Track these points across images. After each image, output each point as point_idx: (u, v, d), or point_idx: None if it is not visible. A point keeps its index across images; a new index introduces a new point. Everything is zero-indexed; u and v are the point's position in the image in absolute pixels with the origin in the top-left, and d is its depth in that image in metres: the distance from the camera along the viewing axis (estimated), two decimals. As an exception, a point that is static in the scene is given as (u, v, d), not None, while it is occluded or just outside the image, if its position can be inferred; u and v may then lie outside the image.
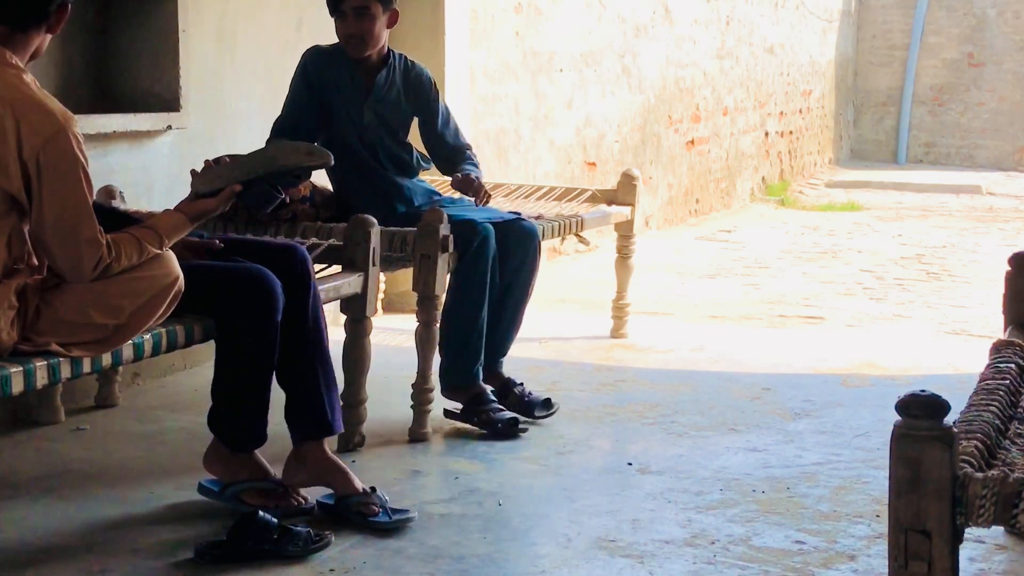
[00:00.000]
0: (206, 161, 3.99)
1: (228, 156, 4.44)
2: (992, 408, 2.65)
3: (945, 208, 11.71)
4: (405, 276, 5.23)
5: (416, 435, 4.31)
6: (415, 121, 4.80)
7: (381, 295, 5.94)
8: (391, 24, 4.55)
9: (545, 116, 8.01)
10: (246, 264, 3.40)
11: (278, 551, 3.24)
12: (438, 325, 4.34)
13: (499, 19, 7.40)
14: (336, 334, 3.70)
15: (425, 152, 4.85)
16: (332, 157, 3.50)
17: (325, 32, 4.72)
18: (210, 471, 3.57)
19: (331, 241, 4.12)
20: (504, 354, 4.61)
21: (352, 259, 3.99)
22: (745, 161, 11.58)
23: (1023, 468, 2.39)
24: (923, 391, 2.24)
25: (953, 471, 2.21)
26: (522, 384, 4.56)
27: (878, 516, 3.60)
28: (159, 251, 3.15)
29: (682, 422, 4.60)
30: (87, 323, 3.04)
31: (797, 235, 9.90)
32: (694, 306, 7.01)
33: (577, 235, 7.38)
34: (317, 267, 3.89)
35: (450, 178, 4.70)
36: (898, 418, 2.23)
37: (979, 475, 2.23)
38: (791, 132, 12.85)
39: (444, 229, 4.26)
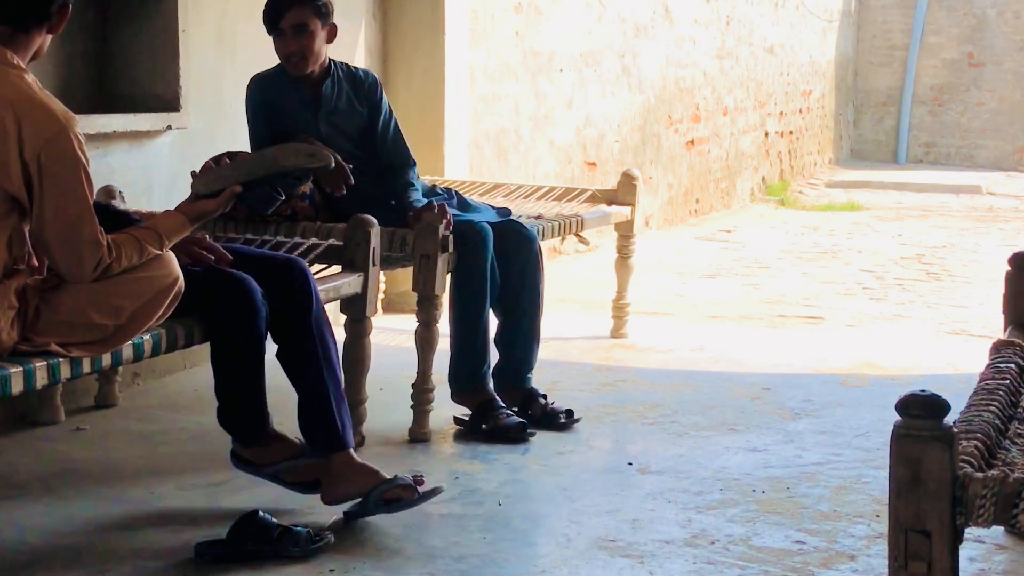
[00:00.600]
0: (206, 162, 3.99)
1: (228, 155, 4.45)
2: (992, 408, 2.65)
3: (945, 208, 11.71)
4: (405, 276, 5.22)
5: (416, 435, 4.31)
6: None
7: (381, 295, 5.94)
8: (330, 39, 4.53)
9: (545, 116, 8.01)
10: (228, 270, 3.39)
11: (278, 551, 3.24)
12: (438, 325, 4.34)
13: (499, 19, 7.40)
14: (336, 334, 3.70)
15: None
16: (333, 159, 3.48)
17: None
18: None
19: (331, 241, 4.12)
20: (530, 369, 4.57)
21: (352, 259, 3.99)
22: (745, 161, 11.58)
23: (1023, 468, 2.39)
24: (923, 391, 2.24)
25: (953, 471, 2.21)
26: (545, 395, 4.55)
27: (878, 516, 3.60)
28: (159, 252, 3.15)
29: (682, 422, 4.60)
30: (87, 323, 3.04)
31: (797, 235, 9.90)
32: (694, 306, 7.01)
33: (577, 235, 7.38)
34: (317, 267, 3.89)
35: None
36: (898, 418, 2.23)
37: (979, 475, 2.23)
38: (791, 132, 12.85)
39: (444, 229, 4.26)
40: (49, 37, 3.07)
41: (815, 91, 13.47)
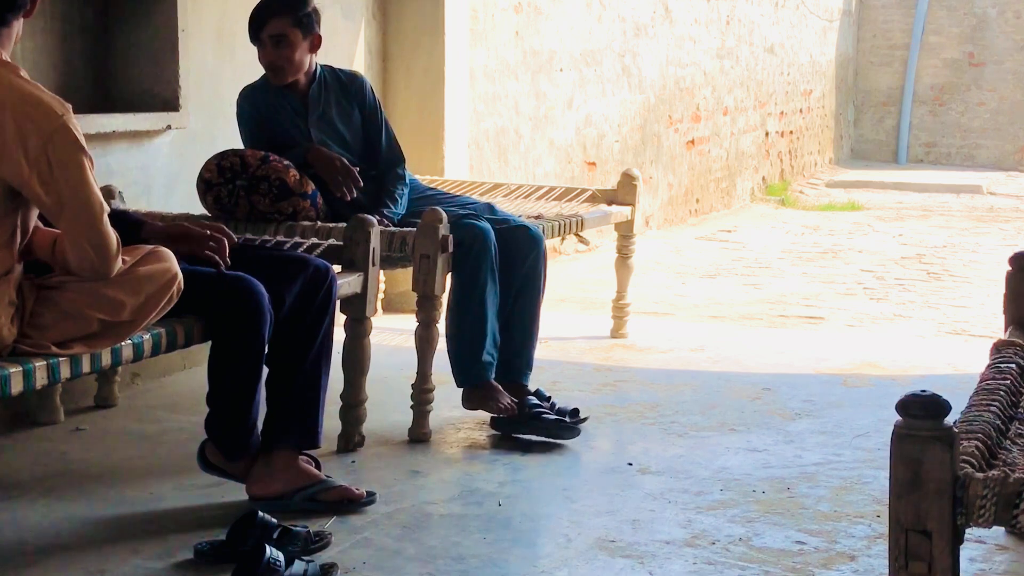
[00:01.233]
0: (207, 161, 3.98)
1: (232, 151, 4.46)
2: (993, 408, 2.65)
3: (946, 208, 11.71)
4: (405, 276, 5.22)
5: (416, 435, 4.30)
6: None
7: (381, 295, 5.94)
8: (314, 49, 4.54)
9: (545, 116, 8.01)
10: (236, 273, 3.38)
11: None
12: (438, 325, 4.34)
13: (499, 19, 7.39)
14: (336, 334, 3.70)
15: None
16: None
17: (324, 31, 4.71)
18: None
19: (331, 241, 4.12)
20: (529, 368, 4.56)
21: (352, 259, 3.99)
22: (745, 161, 11.58)
23: (1024, 468, 2.39)
24: (923, 391, 2.24)
25: (954, 471, 2.20)
26: (550, 397, 4.54)
27: (878, 516, 3.59)
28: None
29: (682, 422, 4.59)
30: (86, 320, 3.04)
31: (797, 235, 9.90)
32: (694, 306, 7.01)
33: (577, 235, 7.38)
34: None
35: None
36: (898, 418, 2.23)
37: (980, 475, 2.22)
38: (791, 132, 12.85)
39: (444, 229, 4.26)
40: (23, 22, 3.07)
41: (815, 91, 13.46)
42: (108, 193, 4.33)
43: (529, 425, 4.31)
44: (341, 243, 4.04)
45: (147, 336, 3.19)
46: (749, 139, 11.64)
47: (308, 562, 3.11)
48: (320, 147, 4.52)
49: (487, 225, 4.40)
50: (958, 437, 2.26)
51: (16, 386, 2.89)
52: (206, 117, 5.05)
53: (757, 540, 3.47)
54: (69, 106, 2.98)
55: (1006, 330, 3.41)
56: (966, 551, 2.76)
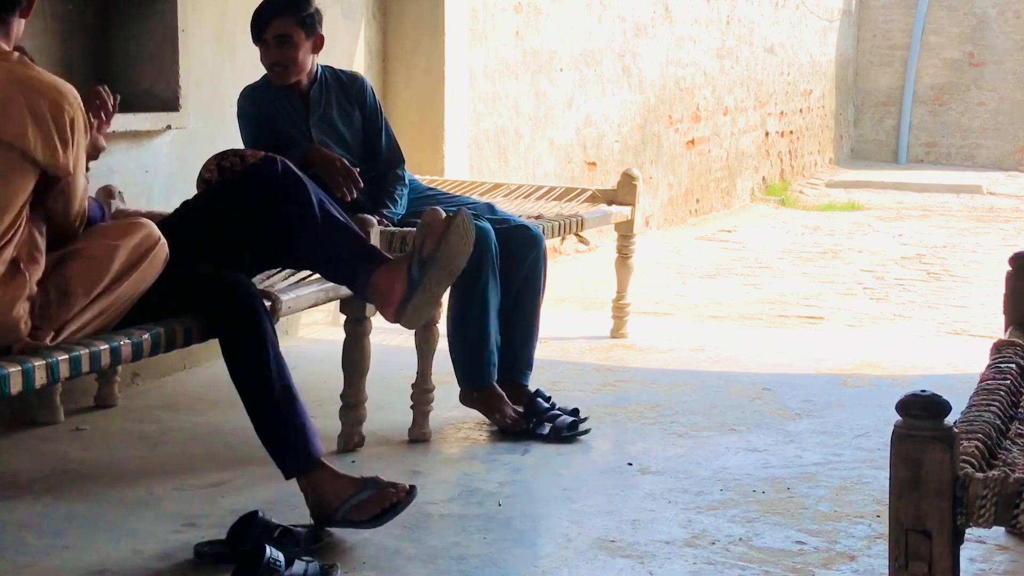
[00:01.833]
0: (207, 161, 3.99)
1: (232, 150, 4.46)
2: (993, 408, 2.65)
3: (946, 208, 11.71)
4: (405, 276, 5.21)
5: (416, 435, 4.30)
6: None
7: (381, 295, 5.92)
8: (316, 49, 4.55)
9: (545, 116, 8.01)
10: (222, 273, 3.34)
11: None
12: (438, 325, 4.34)
13: (499, 19, 7.39)
14: (336, 334, 3.69)
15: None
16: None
17: (324, 31, 4.70)
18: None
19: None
20: (529, 368, 4.56)
21: (352, 259, 3.98)
22: (745, 161, 11.58)
23: (1024, 468, 2.39)
24: (923, 391, 2.24)
25: (954, 471, 2.20)
26: (551, 397, 4.53)
27: (878, 516, 3.59)
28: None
29: (682, 422, 4.59)
30: (76, 301, 3.05)
31: (797, 235, 9.90)
32: (694, 306, 7.01)
33: (577, 235, 7.37)
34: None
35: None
36: (898, 418, 2.23)
37: (980, 475, 2.22)
38: (791, 132, 12.85)
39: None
40: (23, 22, 3.12)
41: (815, 91, 13.46)
42: (108, 193, 4.33)
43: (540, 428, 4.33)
44: (341, 243, 4.04)
45: (146, 336, 3.18)
46: (749, 139, 11.64)
47: (308, 562, 3.11)
48: (320, 147, 4.53)
49: (487, 225, 4.40)
50: (958, 437, 2.26)
51: (15, 386, 2.89)
52: (206, 117, 5.05)
53: (757, 540, 3.46)
54: (77, 93, 3.07)
55: (1006, 330, 3.41)
56: (966, 551, 2.76)
